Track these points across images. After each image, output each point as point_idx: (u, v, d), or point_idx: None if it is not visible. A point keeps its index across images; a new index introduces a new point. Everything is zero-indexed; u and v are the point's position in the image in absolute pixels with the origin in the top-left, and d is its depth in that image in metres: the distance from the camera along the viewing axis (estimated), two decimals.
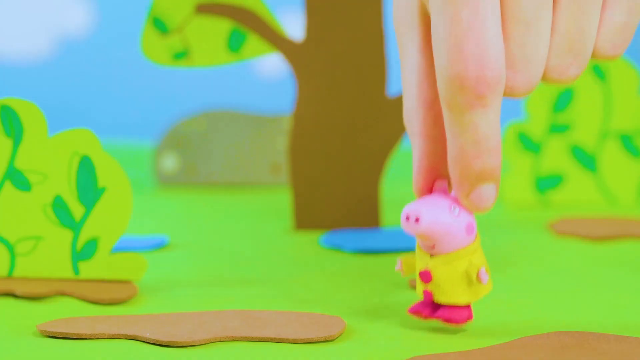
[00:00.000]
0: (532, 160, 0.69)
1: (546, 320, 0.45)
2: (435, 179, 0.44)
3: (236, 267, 0.54)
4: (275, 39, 0.60)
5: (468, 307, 0.43)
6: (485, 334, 0.43)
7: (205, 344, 0.42)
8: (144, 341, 0.42)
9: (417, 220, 0.41)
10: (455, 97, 0.40)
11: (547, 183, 0.70)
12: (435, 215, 0.41)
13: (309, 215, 0.62)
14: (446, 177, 0.43)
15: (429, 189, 0.44)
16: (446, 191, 0.43)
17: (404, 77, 0.44)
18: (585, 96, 0.69)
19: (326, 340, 0.42)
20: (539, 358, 0.40)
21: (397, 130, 0.60)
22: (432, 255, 0.42)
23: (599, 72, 0.68)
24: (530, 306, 0.47)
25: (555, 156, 0.69)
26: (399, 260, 0.45)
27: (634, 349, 0.41)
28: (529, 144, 0.69)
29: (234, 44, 0.60)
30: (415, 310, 0.43)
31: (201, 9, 0.59)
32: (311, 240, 0.60)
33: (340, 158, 0.61)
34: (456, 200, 0.42)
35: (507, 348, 0.41)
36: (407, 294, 0.49)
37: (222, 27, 0.60)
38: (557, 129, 0.69)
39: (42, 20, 1.05)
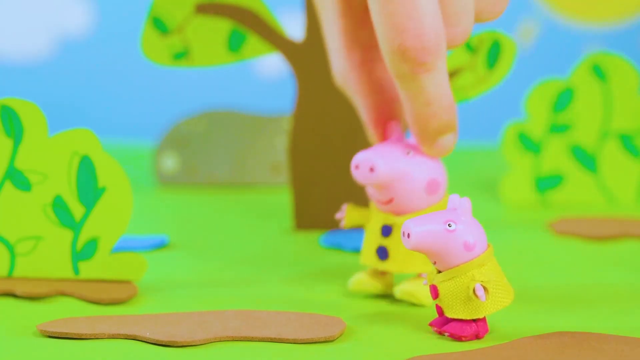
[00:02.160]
0: (532, 160, 0.69)
1: (546, 320, 0.45)
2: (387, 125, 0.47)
3: (236, 267, 0.54)
4: (275, 39, 0.60)
5: (476, 322, 0.42)
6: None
7: (205, 344, 0.42)
8: (144, 341, 0.42)
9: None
10: (400, 67, 0.43)
11: (547, 183, 0.70)
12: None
13: (309, 215, 0.62)
14: (395, 118, 0.47)
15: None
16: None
17: (329, 40, 0.47)
18: (585, 96, 0.69)
19: (326, 341, 0.42)
20: (539, 358, 0.40)
21: None
22: (438, 271, 0.43)
23: (599, 72, 0.68)
24: (531, 306, 0.47)
25: (555, 156, 0.69)
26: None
27: (634, 349, 0.41)
28: (529, 144, 0.69)
29: (234, 44, 0.60)
30: (432, 324, 0.43)
31: (201, 9, 0.59)
32: (311, 240, 0.60)
33: (340, 158, 0.61)
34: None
35: (507, 348, 0.41)
36: None
37: (222, 27, 0.60)
38: (557, 129, 0.69)
39: (42, 20, 1.04)
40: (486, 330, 0.42)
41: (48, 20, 1.05)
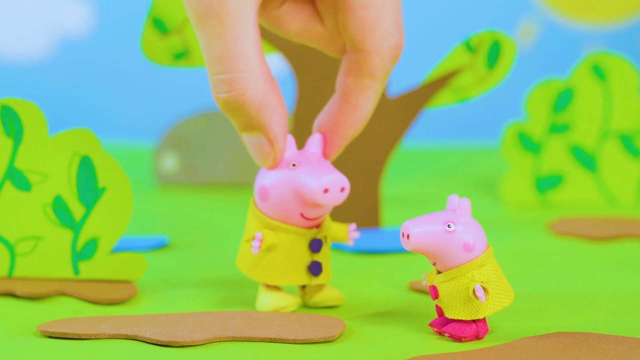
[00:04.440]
0: (532, 160, 0.69)
1: (546, 320, 0.45)
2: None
3: (236, 267, 0.54)
4: (275, 39, 0.60)
5: (476, 322, 0.42)
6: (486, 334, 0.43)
7: (205, 344, 0.42)
8: (144, 341, 0.42)
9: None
10: (390, 66, 0.44)
11: (547, 183, 0.70)
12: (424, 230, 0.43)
13: None
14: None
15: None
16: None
17: (244, 53, 0.42)
18: (585, 96, 0.69)
19: (326, 341, 0.42)
20: (539, 358, 0.40)
21: (397, 130, 0.60)
22: (438, 272, 0.43)
23: (599, 72, 0.68)
24: (531, 306, 0.47)
25: (555, 156, 0.69)
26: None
27: (634, 349, 0.41)
28: (529, 144, 0.69)
29: None
30: (432, 324, 0.43)
31: None
32: None
33: (340, 158, 0.61)
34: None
35: (507, 348, 0.41)
36: (407, 295, 0.50)
37: None
38: (557, 129, 0.69)
39: (42, 20, 1.05)
40: (486, 331, 0.42)
41: (48, 20, 1.05)
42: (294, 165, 0.45)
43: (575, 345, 0.41)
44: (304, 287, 0.47)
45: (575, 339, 0.42)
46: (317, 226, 0.46)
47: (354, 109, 0.45)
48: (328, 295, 0.47)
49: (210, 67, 0.43)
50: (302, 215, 0.45)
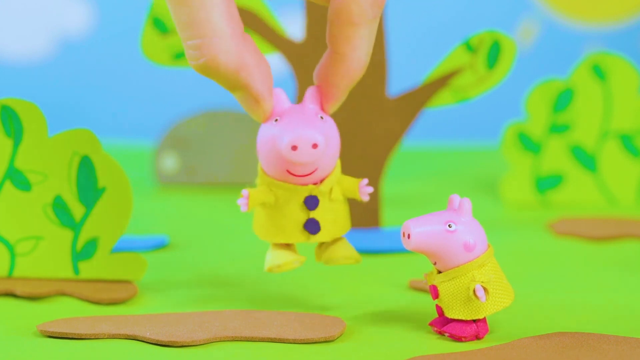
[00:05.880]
0: (532, 160, 0.69)
1: (546, 320, 0.45)
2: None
3: (236, 267, 0.54)
4: (275, 39, 0.60)
5: (476, 322, 0.42)
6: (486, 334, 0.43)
7: (205, 344, 0.42)
8: (144, 341, 0.42)
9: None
10: (369, 10, 0.43)
11: (547, 183, 0.70)
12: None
13: None
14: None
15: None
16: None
17: (212, 24, 0.43)
18: (585, 96, 0.69)
19: (326, 341, 0.42)
20: (539, 358, 0.40)
21: (397, 130, 0.60)
22: (439, 272, 0.42)
23: (599, 72, 0.68)
24: (531, 306, 0.47)
25: (555, 156, 0.69)
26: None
27: (634, 349, 0.41)
28: (529, 144, 0.69)
29: None
30: (432, 324, 0.43)
31: None
32: None
33: (341, 158, 0.61)
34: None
35: (507, 348, 0.41)
36: (407, 294, 0.50)
37: None
38: (557, 129, 0.69)
39: (42, 20, 1.05)
40: (486, 331, 0.42)
41: (48, 20, 1.05)
42: (276, 120, 0.44)
43: (575, 345, 0.41)
44: (322, 243, 0.46)
45: (575, 339, 0.42)
46: (316, 182, 0.44)
47: (342, 58, 0.44)
48: (338, 253, 0.45)
49: (180, 33, 0.43)
50: (288, 171, 0.43)
